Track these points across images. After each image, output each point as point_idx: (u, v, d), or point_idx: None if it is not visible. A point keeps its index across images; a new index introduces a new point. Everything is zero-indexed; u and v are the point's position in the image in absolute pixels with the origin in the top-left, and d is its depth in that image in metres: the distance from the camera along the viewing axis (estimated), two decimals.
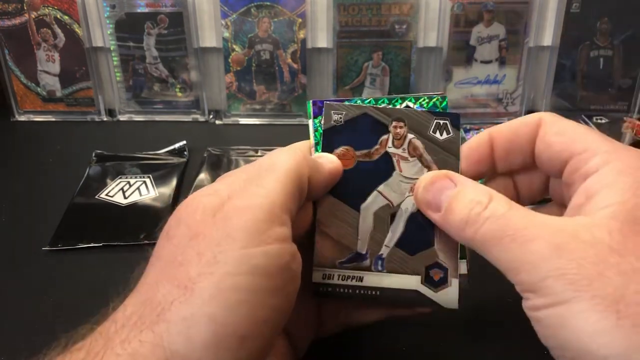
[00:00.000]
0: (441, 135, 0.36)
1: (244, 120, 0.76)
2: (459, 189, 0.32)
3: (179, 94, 0.76)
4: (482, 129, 0.59)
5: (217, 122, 0.76)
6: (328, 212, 0.35)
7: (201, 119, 0.77)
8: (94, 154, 0.66)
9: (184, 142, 0.68)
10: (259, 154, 0.67)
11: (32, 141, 0.73)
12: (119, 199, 0.59)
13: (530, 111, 0.74)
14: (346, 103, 0.36)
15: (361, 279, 0.35)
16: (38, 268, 0.50)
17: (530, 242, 0.27)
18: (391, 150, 0.36)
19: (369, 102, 0.37)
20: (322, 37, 0.73)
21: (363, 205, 0.35)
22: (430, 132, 0.36)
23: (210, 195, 0.29)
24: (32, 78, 0.76)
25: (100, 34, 0.74)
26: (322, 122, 0.36)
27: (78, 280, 0.49)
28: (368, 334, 0.41)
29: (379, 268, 0.35)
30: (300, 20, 0.71)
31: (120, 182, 0.61)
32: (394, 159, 0.36)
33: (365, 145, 0.36)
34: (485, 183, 0.37)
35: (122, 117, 0.77)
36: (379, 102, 0.37)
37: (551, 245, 0.26)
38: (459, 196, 0.31)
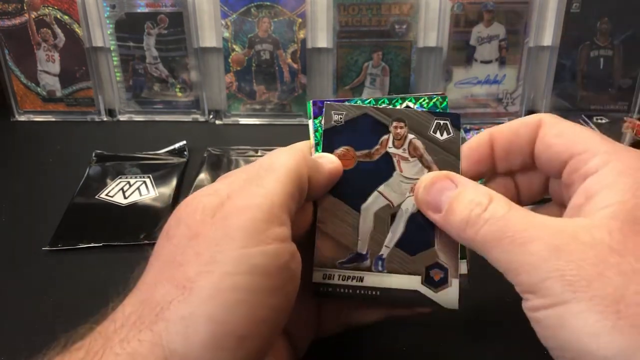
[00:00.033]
0: (441, 135, 0.36)
1: (244, 120, 0.76)
2: (459, 190, 0.32)
3: (179, 94, 0.76)
4: (482, 129, 0.59)
5: (217, 122, 0.76)
6: (328, 212, 0.35)
7: (201, 119, 0.77)
8: (94, 154, 0.66)
9: (184, 142, 0.68)
10: (259, 154, 0.67)
11: (32, 141, 0.73)
12: (119, 199, 0.59)
13: (530, 111, 0.74)
14: (346, 103, 0.36)
15: (361, 279, 0.35)
16: (38, 268, 0.50)
17: (530, 244, 0.27)
18: (391, 150, 0.36)
19: (370, 103, 0.37)
20: (322, 37, 0.73)
21: (363, 206, 0.35)
22: (431, 132, 0.36)
23: (210, 195, 0.29)
24: (32, 78, 0.76)
25: (100, 34, 0.74)
26: (323, 122, 0.36)
27: (78, 280, 0.49)
28: (368, 334, 0.41)
29: (379, 268, 0.35)
30: (300, 20, 0.71)
31: (120, 182, 0.61)
32: (395, 159, 0.36)
33: (365, 145, 0.36)
34: (485, 183, 0.37)
35: (122, 117, 0.77)
36: (380, 102, 0.37)
37: (550, 247, 0.26)
38: (460, 197, 0.31)
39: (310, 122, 0.37)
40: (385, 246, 0.35)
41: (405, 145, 0.36)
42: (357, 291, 0.35)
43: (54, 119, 0.78)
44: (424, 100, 0.37)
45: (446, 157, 0.36)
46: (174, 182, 0.62)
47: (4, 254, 0.52)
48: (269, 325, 0.27)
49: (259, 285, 0.26)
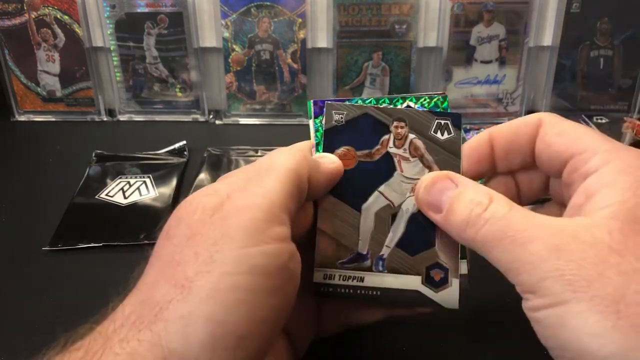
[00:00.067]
0: (442, 135, 0.36)
1: (244, 120, 0.76)
2: (459, 190, 0.32)
3: (179, 94, 0.76)
4: (482, 129, 0.59)
5: (217, 122, 0.76)
6: (329, 213, 0.35)
7: (201, 119, 0.77)
8: (94, 154, 0.66)
9: (184, 142, 0.68)
10: (259, 154, 0.67)
11: (32, 141, 0.73)
12: (119, 199, 0.59)
13: (530, 111, 0.74)
14: (347, 103, 0.36)
15: (362, 279, 0.35)
16: (38, 268, 0.50)
17: (530, 243, 0.27)
18: (392, 150, 0.36)
19: (370, 102, 0.37)
20: (322, 37, 0.73)
21: (364, 206, 0.35)
22: (432, 132, 0.36)
23: (209, 195, 0.29)
24: (32, 78, 0.76)
25: (100, 34, 0.74)
26: (323, 122, 0.36)
27: (78, 280, 0.49)
28: (368, 334, 0.41)
29: (380, 268, 0.35)
30: (300, 20, 0.71)
31: (120, 182, 0.61)
32: (395, 159, 0.36)
33: (366, 145, 0.36)
34: (486, 182, 0.37)
35: (122, 117, 0.77)
36: (380, 101, 0.37)
37: (550, 246, 0.26)
38: (460, 197, 0.31)
39: (310, 121, 0.37)
40: (386, 246, 0.35)
41: (406, 145, 0.36)
42: (358, 291, 0.35)
43: (54, 119, 0.78)
44: (424, 100, 0.37)
45: (447, 157, 0.36)
46: (174, 182, 0.62)
47: (4, 254, 0.52)
48: (268, 325, 0.27)
49: (258, 285, 0.26)
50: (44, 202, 0.60)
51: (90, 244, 0.52)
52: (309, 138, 0.37)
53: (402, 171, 0.36)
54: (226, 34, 0.72)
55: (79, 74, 0.75)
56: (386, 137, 0.36)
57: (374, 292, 0.35)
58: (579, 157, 0.30)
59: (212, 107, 0.77)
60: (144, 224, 0.55)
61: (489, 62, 0.73)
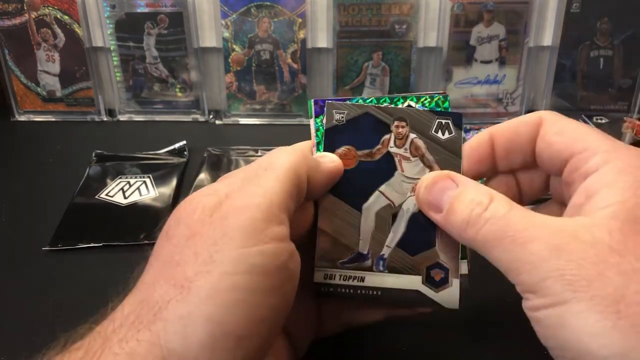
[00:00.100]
0: (443, 134, 0.36)
1: (244, 120, 0.76)
2: (460, 190, 0.32)
3: (179, 94, 0.76)
4: (482, 129, 0.59)
5: (217, 122, 0.76)
6: (329, 212, 0.35)
7: (201, 119, 0.77)
8: (94, 154, 0.66)
9: (184, 142, 0.68)
10: (259, 154, 0.67)
11: (32, 141, 0.73)
12: (119, 199, 0.59)
13: (530, 111, 0.74)
14: (348, 102, 0.36)
15: (362, 279, 0.35)
16: (38, 268, 0.50)
17: (530, 243, 0.27)
18: (393, 150, 0.36)
19: (371, 102, 0.37)
20: (322, 37, 0.73)
21: (365, 206, 0.35)
22: (432, 131, 0.36)
23: (209, 195, 0.29)
24: (32, 78, 0.76)
25: (100, 34, 0.74)
26: (324, 121, 0.36)
27: (78, 280, 0.49)
28: (369, 334, 0.41)
29: (381, 268, 0.35)
30: (300, 20, 0.71)
31: (120, 182, 0.61)
32: (396, 159, 0.36)
33: (367, 144, 0.36)
34: (487, 181, 0.37)
35: (122, 117, 0.77)
36: (381, 101, 0.37)
37: (551, 246, 0.26)
38: (460, 197, 0.31)
39: (311, 121, 0.37)
40: (387, 246, 0.35)
41: (407, 145, 0.36)
42: (358, 291, 0.35)
43: (54, 119, 0.78)
44: (425, 100, 0.37)
45: (447, 157, 0.35)
46: (174, 182, 0.62)
47: (4, 254, 0.52)
48: (267, 325, 0.27)
49: (257, 285, 0.26)
50: (44, 202, 0.60)
51: (90, 244, 0.52)
52: (309, 138, 0.37)
53: (402, 171, 0.36)
54: (226, 34, 0.72)
55: (79, 74, 0.75)
56: (387, 136, 0.36)
57: (375, 292, 0.35)
58: (579, 156, 0.30)
59: (212, 107, 0.77)
60: (144, 224, 0.55)
61: (489, 62, 0.73)
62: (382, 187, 0.36)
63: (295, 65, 0.74)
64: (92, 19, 0.73)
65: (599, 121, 0.72)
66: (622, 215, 0.26)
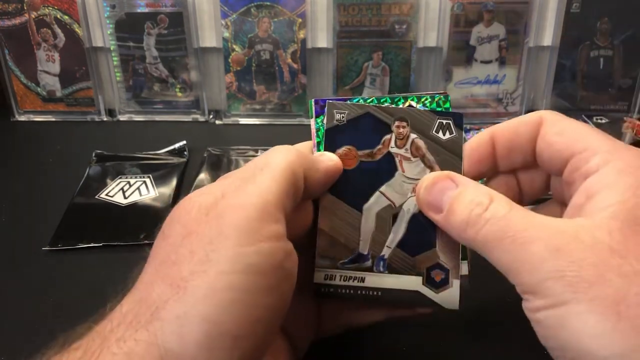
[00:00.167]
0: (444, 135, 0.36)
1: (244, 120, 0.76)
2: (460, 190, 0.31)
3: (179, 94, 0.76)
4: (482, 129, 0.59)
5: (217, 122, 0.76)
6: (330, 212, 0.35)
7: (201, 119, 0.77)
8: (94, 154, 0.66)
9: (184, 142, 0.68)
10: (258, 154, 0.66)
11: (32, 141, 0.73)
12: (119, 199, 0.59)
13: (530, 111, 0.74)
14: (349, 102, 0.36)
15: (363, 280, 0.35)
16: (38, 268, 0.50)
17: (530, 244, 0.27)
18: (394, 150, 0.36)
19: (372, 102, 0.37)
20: (322, 37, 0.73)
21: (365, 206, 0.35)
22: (433, 131, 0.36)
23: (205, 195, 0.29)
24: (32, 78, 0.76)
25: (100, 34, 0.74)
26: (325, 121, 0.36)
27: (78, 280, 0.49)
28: (369, 334, 0.41)
29: (381, 269, 0.35)
30: (300, 20, 0.71)
31: (120, 182, 0.61)
32: (397, 159, 0.36)
33: (367, 145, 0.36)
34: (487, 181, 0.37)
35: (122, 117, 0.77)
36: (382, 101, 0.37)
37: (551, 247, 0.26)
38: (460, 197, 0.31)
39: (312, 121, 0.36)
40: (387, 247, 0.35)
41: (408, 145, 0.36)
42: (359, 292, 0.35)
43: (54, 119, 0.78)
44: (426, 99, 0.37)
45: (448, 157, 0.35)
46: (174, 182, 0.62)
47: (4, 254, 0.52)
48: (264, 324, 0.27)
49: (253, 285, 0.26)
50: (44, 202, 0.60)
51: (90, 244, 0.52)
52: (309, 138, 0.37)
53: (403, 171, 0.36)
54: (226, 34, 0.72)
55: (79, 74, 0.75)
56: (388, 136, 0.36)
57: (375, 293, 0.35)
58: (580, 156, 0.30)
59: (212, 107, 0.77)
60: (144, 224, 0.55)
61: (489, 62, 0.73)
62: (383, 188, 0.35)
63: (295, 65, 0.74)
64: (92, 19, 0.73)
65: (599, 121, 0.72)
66: (622, 215, 0.26)
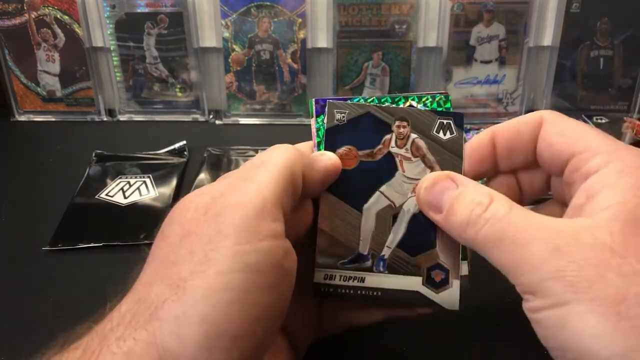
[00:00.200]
0: (444, 135, 0.36)
1: (244, 120, 0.76)
2: (460, 190, 0.31)
3: (179, 94, 0.76)
4: (482, 129, 0.59)
5: (217, 122, 0.76)
6: (330, 212, 0.35)
7: (201, 119, 0.77)
8: (94, 154, 0.66)
9: (184, 142, 0.68)
10: (258, 154, 0.66)
11: (32, 141, 0.73)
12: (119, 199, 0.59)
13: (530, 111, 0.74)
14: (349, 102, 0.36)
15: (363, 280, 0.35)
16: (38, 268, 0.50)
17: (531, 244, 0.27)
18: (394, 150, 0.36)
19: (372, 101, 0.37)
20: (322, 37, 0.73)
21: (365, 206, 0.35)
22: (434, 131, 0.36)
23: (203, 194, 0.29)
24: (32, 78, 0.76)
25: (100, 34, 0.74)
26: (325, 121, 0.36)
27: (78, 280, 0.49)
28: (369, 334, 0.41)
29: (381, 269, 0.35)
30: (300, 20, 0.71)
31: (120, 182, 0.61)
32: (397, 159, 0.36)
33: (368, 144, 0.36)
34: (488, 181, 0.37)
35: (122, 117, 0.77)
36: (382, 100, 0.37)
37: (551, 247, 0.26)
38: (460, 197, 0.31)
39: (312, 120, 0.36)
40: (387, 247, 0.35)
41: (408, 145, 0.36)
42: (358, 292, 0.35)
43: (54, 119, 0.78)
44: (427, 99, 0.37)
45: (448, 157, 0.35)
46: (174, 182, 0.62)
47: (4, 254, 0.52)
48: (263, 324, 0.27)
49: (252, 284, 0.26)
50: (44, 202, 0.60)
51: (90, 244, 0.52)
52: (309, 138, 0.37)
53: (403, 171, 0.35)
54: (226, 34, 0.72)
55: (79, 74, 0.75)
56: (388, 136, 0.36)
57: (375, 293, 0.35)
58: (580, 157, 0.30)
59: (212, 107, 0.77)
60: (144, 224, 0.55)
61: (489, 62, 0.73)
62: (383, 188, 0.35)
63: (295, 65, 0.74)
64: (92, 19, 0.73)
65: (599, 121, 0.72)
66: (622, 216, 0.26)
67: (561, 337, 0.25)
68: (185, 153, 0.67)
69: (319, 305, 0.38)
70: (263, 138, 0.71)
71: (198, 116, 0.77)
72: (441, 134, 0.36)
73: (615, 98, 0.73)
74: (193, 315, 0.25)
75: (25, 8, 0.72)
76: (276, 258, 0.28)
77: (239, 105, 0.76)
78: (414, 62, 0.73)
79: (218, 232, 0.27)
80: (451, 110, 0.37)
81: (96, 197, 0.59)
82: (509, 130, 0.34)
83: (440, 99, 0.37)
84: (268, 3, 0.71)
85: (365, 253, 0.35)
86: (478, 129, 0.70)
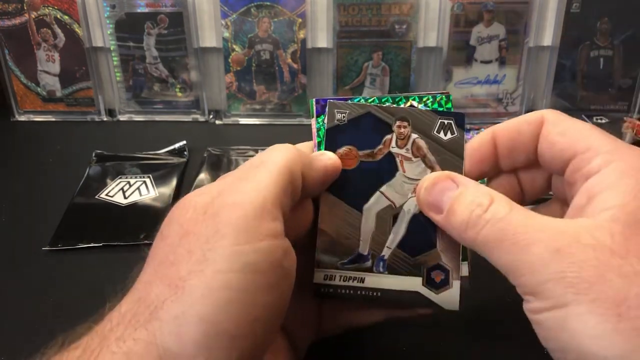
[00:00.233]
0: (445, 135, 0.36)
1: (244, 120, 0.76)
2: (460, 191, 0.31)
3: (179, 94, 0.76)
4: (482, 129, 0.59)
5: (217, 122, 0.76)
6: (330, 213, 0.35)
7: (201, 119, 0.77)
8: (94, 154, 0.66)
9: (184, 142, 0.68)
10: (258, 153, 0.66)
11: (32, 141, 0.73)
12: (119, 199, 0.59)
13: (530, 111, 0.74)
14: (350, 102, 0.36)
15: (362, 280, 0.35)
16: (38, 268, 0.50)
17: (531, 245, 0.27)
18: (395, 150, 0.36)
19: (373, 101, 0.36)
20: (322, 37, 0.73)
21: (365, 206, 0.35)
22: (435, 132, 0.36)
23: (201, 194, 0.29)
24: (32, 78, 0.76)
25: (100, 34, 0.74)
26: (326, 121, 0.36)
27: (78, 280, 0.49)
28: (369, 334, 0.41)
29: (381, 269, 0.35)
30: (300, 20, 0.71)
31: (120, 182, 0.61)
32: (397, 159, 0.36)
33: (368, 145, 0.36)
34: (489, 181, 0.37)
35: (122, 117, 0.77)
36: (383, 100, 0.37)
37: (552, 248, 0.26)
38: (460, 198, 0.31)
39: (313, 121, 0.36)
40: (387, 247, 0.35)
41: (409, 145, 0.36)
42: (358, 292, 0.35)
43: (54, 119, 0.78)
44: (428, 99, 0.37)
45: (449, 157, 0.35)
46: (174, 182, 0.62)
47: (4, 254, 0.52)
48: (262, 323, 0.27)
49: (251, 284, 0.26)
50: (44, 202, 0.60)
51: (90, 244, 0.52)
52: (309, 138, 0.36)
53: (404, 171, 0.35)
54: (226, 34, 0.72)
55: (79, 74, 0.75)
56: (389, 136, 0.36)
57: (375, 293, 0.35)
58: (582, 157, 0.30)
59: (212, 107, 0.77)
60: (144, 224, 0.55)
61: (489, 62, 0.73)
62: (383, 188, 0.35)
63: (295, 65, 0.74)
64: (92, 19, 0.73)
65: (599, 121, 0.72)
66: (623, 217, 0.26)
67: (561, 338, 0.25)
68: (185, 153, 0.67)
69: (319, 306, 0.38)
70: (263, 138, 0.71)
71: (198, 116, 0.77)
72: (442, 134, 0.36)
73: (615, 98, 0.73)
74: (192, 314, 0.25)
75: (25, 8, 0.72)
76: (275, 258, 0.28)
77: (239, 105, 0.76)
78: (414, 62, 0.73)
79: (216, 232, 0.27)
80: (452, 110, 0.37)
81: (96, 197, 0.59)
82: (509, 129, 0.34)
83: (442, 99, 0.37)
84: (268, 3, 0.71)
85: (365, 253, 0.35)
86: (478, 129, 0.70)
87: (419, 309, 0.36)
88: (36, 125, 0.77)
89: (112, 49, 0.74)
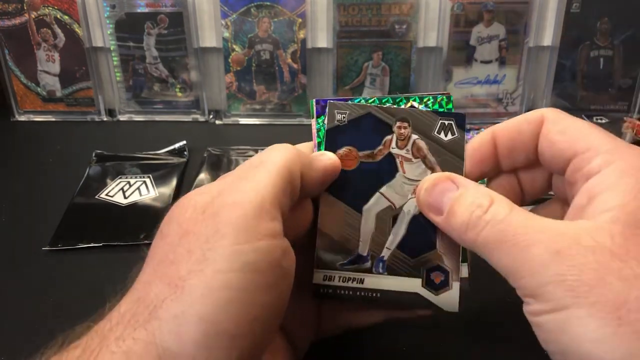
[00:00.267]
0: (446, 136, 0.36)
1: (244, 120, 0.76)
2: (460, 192, 0.31)
3: (179, 94, 0.76)
4: (482, 129, 0.59)
5: (217, 122, 0.76)
6: (329, 213, 0.35)
7: (201, 119, 0.77)
8: (94, 154, 0.66)
9: (184, 142, 0.68)
10: (257, 153, 0.66)
11: (32, 141, 0.73)
12: (119, 199, 0.59)
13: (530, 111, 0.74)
14: (350, 102, 0.36)
15: (362, 281, 0.35)
16: (38, 268, 0.50)
17: (531, 247, 0.27)
18: (395, 151, 0.36)
19: (373, 102, 0.36)
20: (322, 37, 0.73)
21: (365, 207, 0.35)
22: (435, 132, 0.36)
23: (201, 194, 0.29)
24: (32, 78, 0.76)
25: (100, 34, 0.74)
26: (326, 121, 0.36)
27: (78, 280, 0.49)
28: (368, 334, 0.41)
29: (380, 270, 0.35)
30: (300, 20, 0.71)
31: (120, 182, 0.61)
32: (398, 160, 0.36)
33: (368, 145, 0.36)
34: (489, 181, 0.37)
35: (122, 117, 0.77)
36: (383, 101, 0.37)
37: (552, 250, 0.26)
38: (461, 199, 0.31)
39: (313, 121, 0.36)
40: (387, 248, 0.35)
41: (409, 146, 0.36)
42: (358, 293, 0.35)
43: (54, 119, 0.78)
44: (428, 100, 0.37)
45: (450, 158, 0.35)
46: (174, 182, 0.62)
47: (4, 254, 0.52)
48: (262, 323, 0.27)
49: (251, 283, 0.26)
50: (44, 202, 0.60)
51: (90, 244, 0.52)
52: (309, 138, 0.36)
53: (404, 172, 0.35)
54: (226, 34, 0.72)
55: (79, 74, 0.75)
56: (389, 137, 0.36)
57: (374, 294, 0.35)
58: (582, 156, 0.30)
59: (212, 107, 0.77)
60: (144, 224, 0.55)
61: (489, 62, 0.73)
62: (383, 189, 0.35)
63: (295, 65, 0.74)
64: (92, 19, 0.73)
65: (599, 121, 0.72)
66: (623, 218, 0.26)
67: (561, 341, 0.25)
68: (185, 153, 0.67)
69: (318, 306, 0.38)
70: (263, 138, 0.71)
71: (198, 116, 0.77)
72: (442, 135, 0.36)
73: (615, 98, 0.73)
74: (191, 314, 0.25)
75: (25, 8, 0.72)
76: (275, 257, 0.28)
77: (239, 105, 0.76)
78: (414, 62, 0.73)
79: (215, 232, 0.27)
80: (453, 111, 0.36)
81: (96, 197, 0.59)
82: (509, 129, 0.34)
83: (442, 99, 0.37)
84: (268, 3, 0.71)
85: (365, 254, 0.35)
86: (478, 129, 0.70)
87: (419, 310, 0.36)
88: (36, 125, 0.77)
89: (112, 49, 0.74)
